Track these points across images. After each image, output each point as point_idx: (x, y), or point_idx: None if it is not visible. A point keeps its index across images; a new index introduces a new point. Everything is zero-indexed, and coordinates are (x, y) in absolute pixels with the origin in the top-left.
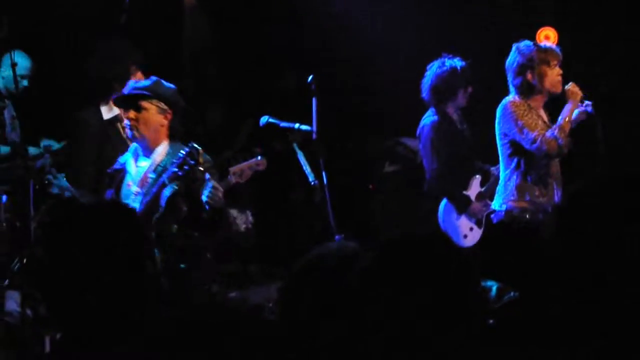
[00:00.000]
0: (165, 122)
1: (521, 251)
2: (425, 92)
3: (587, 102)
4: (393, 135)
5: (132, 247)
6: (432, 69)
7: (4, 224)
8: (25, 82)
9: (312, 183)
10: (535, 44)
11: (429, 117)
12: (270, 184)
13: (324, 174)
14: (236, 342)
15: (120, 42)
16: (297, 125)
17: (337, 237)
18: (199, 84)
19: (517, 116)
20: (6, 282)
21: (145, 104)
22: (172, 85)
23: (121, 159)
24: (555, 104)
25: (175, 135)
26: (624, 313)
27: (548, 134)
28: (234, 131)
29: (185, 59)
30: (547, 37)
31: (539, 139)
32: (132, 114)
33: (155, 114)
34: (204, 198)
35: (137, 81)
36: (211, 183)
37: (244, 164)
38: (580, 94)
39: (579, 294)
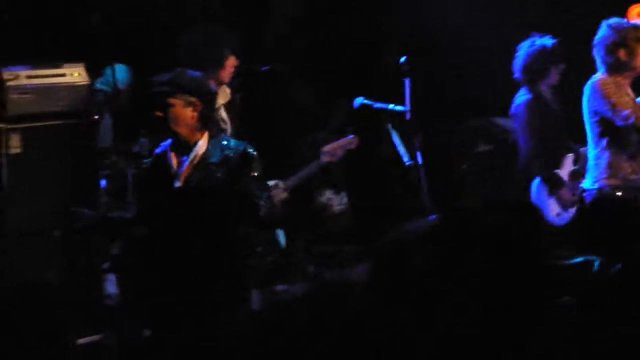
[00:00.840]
0: (195, 114)
1: (618, 228)
2: (517, 72)
3: None
4: (486, 115)
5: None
6: (523, 49)
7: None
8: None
9: (407, 163)
10: (628, 22)
11: (522, 96)
12: (365, 165)
13: (418, 154)
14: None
15: (213, 27)
16: (391, 106)
17: (431, 217)
18: (291, 65)
19: (608, 94)
20: (106, 265)
21: (170, 100)
22: (196, 73)
23: (158, 151)
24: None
25: (212, 126)
26: None
27: None
28: (328, 112)
29: (277, 41)
30: (639, 14)
31: (632, 115)
32: (158, 114)
33: (182, 109)
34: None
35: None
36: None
37: (335, 144)
38: None
39: None
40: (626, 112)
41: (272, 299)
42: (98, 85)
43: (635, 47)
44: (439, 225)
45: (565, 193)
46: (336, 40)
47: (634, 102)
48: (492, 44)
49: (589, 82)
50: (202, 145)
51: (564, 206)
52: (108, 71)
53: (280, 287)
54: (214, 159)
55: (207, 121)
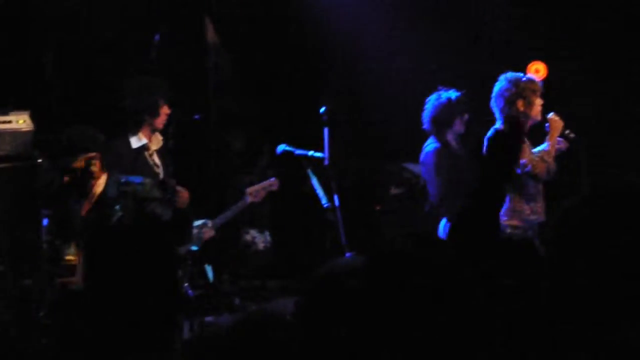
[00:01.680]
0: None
1: (518, 265)
2: (426, 123)
3: (567, 130)
4: (398, 161)
5: (166, 266)
6: (430, 102)
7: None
8: None
9: (325, 205)
10: (524, 76)
11: (430, 145)
12: (287, 206)
13: (335, 196)
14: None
15: (150, 78)
16: (310, 153)
17: (347, 254)
18: (222, 115)
19: None
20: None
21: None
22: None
23: None
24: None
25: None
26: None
27: (537, 159)
28: (253, 158)
29: (209, 91)
30: (537, 70)
31: (529, 164)
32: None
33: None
34: None
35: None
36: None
37: (258, 185)
38: (561, 122)
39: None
40: (524, 161)
41: (200, 329)
42: None
43: (532, 98)
44: (369, 263)
45: None
46: (262, 92)
47: (530, 150)
48: (403, 95)
49: (488, 135)
50: (100, 184)
51: None
52: None
53: (208, 318)
54: (111, 195)
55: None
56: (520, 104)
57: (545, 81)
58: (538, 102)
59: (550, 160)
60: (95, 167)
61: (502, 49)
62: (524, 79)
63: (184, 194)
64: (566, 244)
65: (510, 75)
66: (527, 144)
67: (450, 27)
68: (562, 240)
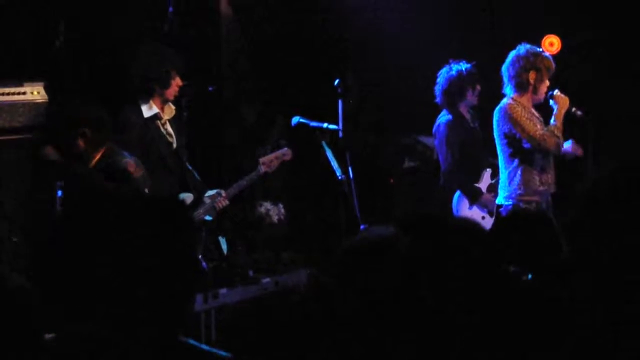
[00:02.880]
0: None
1: (531, 240)
2: (438, 96)
3: (574, 108)
4: (412, 134)
5: (184, 237)
6: (442, 75)
7: None
8: None
9: (340, 177)
10: (535, 49)
11: (443, 117)
12: (301, 179)
13: (350, 169)
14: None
15: (162, 48)
16: (325, 125)
17: (362, 226)
18: (236, 86)
19: (517, 117)
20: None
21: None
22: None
23: None
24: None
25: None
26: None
27: (547, 133)
28: (267, 129)
29: (223, 63)
30: (552, 44)
31: (541, 138)
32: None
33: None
34: None
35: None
36: None
37: (272, 155)
38: (567, 99)
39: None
40: (535, 133)
41: (215, 301)
42: None
43: (544, 75)
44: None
45: (486, 197)
46: (278, 64)
47: (540, 121)
48: (419, 68)
49: (498, 107)
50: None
51: (488, 210)
52: None
53: (222, 291)
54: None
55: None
56: (532, 76)
57: (559, 55)
58: (547, 82)
59: (559, 134)
60: (82, 142)
61: (516, 22)
62: (542, 53)
63: None
64: (594, 214)
65: (529, 46)
66: (538, 117)
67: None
68: (590, 211)
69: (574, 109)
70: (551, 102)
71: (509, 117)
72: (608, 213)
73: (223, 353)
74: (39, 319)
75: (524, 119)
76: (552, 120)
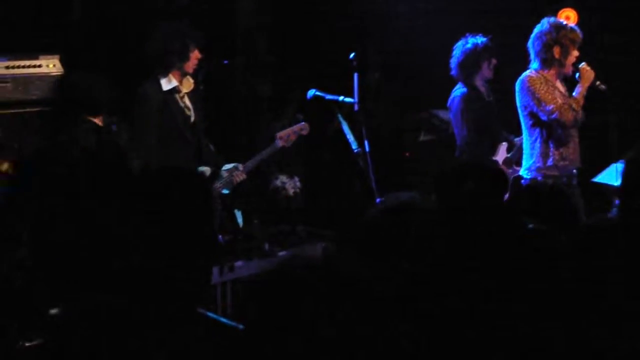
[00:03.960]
0: None
1: (548, 213)
2: (453, 69)
3: (598, 81)
4: (427, 108)
5: (202, 210)
6: (458, 48)
7: None
8: None
9: (355, 150)
10: (562, 23)
11: (458, 90)
12: (317, 151)
13: (366, 142)
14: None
15: (180, 23)
16: (341, 98)
17: (377, 199)
18: (251, 60)
19: (535, 90)
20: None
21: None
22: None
23: None
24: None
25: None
26: None
27: (565, 106)
28: (283, 103)
29: (238, 37)
30: (568, 17)
31: (556, 111)
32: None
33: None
34: None
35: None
36: None
37: (289, 129)
38: (592, 72)
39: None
40: (550, 106)
41: (232, 274)
42: None
43: (570, 48)
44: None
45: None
46: (293, 37)
47: (563, 95)
48: (434, 41)
49: (519, 79)
50: None
51: None
52: None
53: (238, 263)
54: None
55: None
56: (556, 51)
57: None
58: (574, 53)
59: (578, 108)
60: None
61: None
62: (566, 26)
63: None
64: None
65: (553, 19)
66: (557, 89)
67: None
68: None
69: (597, 83)
70: (577, 74)
71: (527, 89)
72: None
73: (240, 326)
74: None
75: (542, 91)
76: (574, 93)
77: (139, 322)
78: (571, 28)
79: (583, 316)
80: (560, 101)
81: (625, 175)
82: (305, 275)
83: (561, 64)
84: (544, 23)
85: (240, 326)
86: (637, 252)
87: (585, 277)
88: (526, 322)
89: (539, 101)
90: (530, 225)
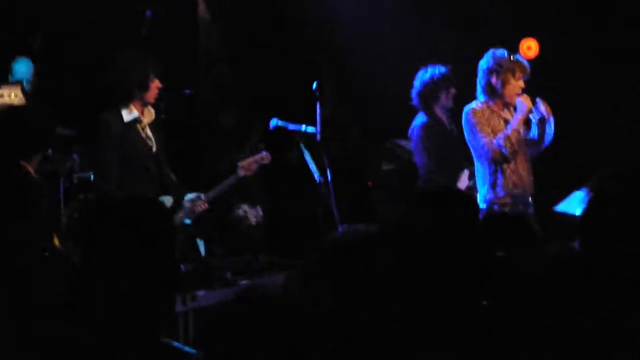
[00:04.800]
0: None
1: (509, 241)
2: (414, 98)
3: (537, 102)
4: (389, 137)
5: (164, 239)
6: (417, 78)
7: None
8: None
9: (317, 180)
10: (508, 54)
11: (419, 119)
12: (279, 181)
13: (328, 171)
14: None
15: (140, 52)
16: (303, 128)
17: (339, 228)
18: (214, 90)
19: (474, 122)
20: None
21: None
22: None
23: None
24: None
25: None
26: None
27: (495, 142)
28: (245, 133)
29: (201, 67)
30: (529, 47)
31: (487, 147)
32: None
33: None
34: None
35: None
36: None
37: (250, 159)
38: (530, 105)
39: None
40: (483, 142)
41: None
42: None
43: (508, 77)
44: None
45: None
46: (256, 68)
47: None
48: (396, 71)
49: (464, 110)
50: None
51: None
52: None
53: (200, 293)
54: None
55: None
56: (493, 79)
57: (538, 58)
58: (515, 83)
59: (506, 144)
60: None
61: (495, 26)
62: (505, 56)
63: None
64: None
65: (497, 50)
66: (505, 120)
67: (443, 4)
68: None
69: (531, 115)
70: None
71: (469, 122)
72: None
73: (199, 353)
74: None
75: (479, 124)
76: (507, 128)
77: (103, 352)
78: (513, 59)
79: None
80: (493, 135)
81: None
82: (265, 305)
83: (499, 93)
84: (487, 54)
85: (200, 353)
86: (602, 284)
87: (553, 308)
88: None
89: (475, 134)
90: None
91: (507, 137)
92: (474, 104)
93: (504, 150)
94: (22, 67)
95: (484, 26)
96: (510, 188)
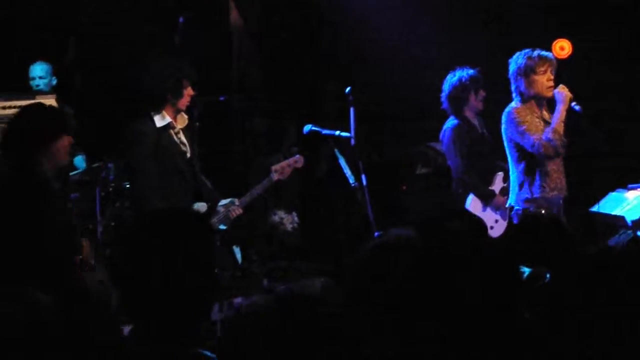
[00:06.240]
0: None
1: (544, 242)
2: (444, 102)
3: (574, 102)
4: (423, 141)
5: (204, 250)
6: (446, 81)
7: None
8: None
9: (353, 185)
10: (527, 52)
11: (450, 122)
12: (314, 187)
13: (363, 176)
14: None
15: (174, 59)
16: (337, 132)
17: (376, 233)
18: (246, 96)
19: (519, 122)
20: None
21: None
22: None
23: None
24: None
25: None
26: None
27: (544, 137)
28: (279, 138)
29: (234, 73)
30: (562, 47)
31: (537, 142)
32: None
33: None
34: None
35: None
36: None
37: (284, 163)
38: (569, 95)
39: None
40: (532, 138)
41: (231, 311)
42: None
43: (531, 77)
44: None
45: (499, 199)
46: (289, 73)
47: (543, 125)
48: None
49: (505, 111)
50: None
51: (502, 212)
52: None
53: (237, 300)
54: None
55: None
56: (520, 82)
57: (571, 58)
58: (541, 78)
59: (556, 137)
60: None
61: (528, 27)
62: (527, 55)
63: None
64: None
65: (520, 53)
66: (544, 119)
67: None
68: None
69: (573, 103)
70: (557, 96)
71: (512, 120)
72: None
73: None
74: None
75: (527, 124)
76: (552, 121)
77: None
78: (532, 56)
79: None
80: (542, 133)
81: None
82: (303, 310)
83: (529, 94)
84: (513, 58)
85: None
86: None
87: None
88: None
89: (522, 133)
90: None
91: (555, 130)
92: (513, 104)
93: (553, 143)
94: (38, 71)
95: (516, 27)
96: (547, 190)
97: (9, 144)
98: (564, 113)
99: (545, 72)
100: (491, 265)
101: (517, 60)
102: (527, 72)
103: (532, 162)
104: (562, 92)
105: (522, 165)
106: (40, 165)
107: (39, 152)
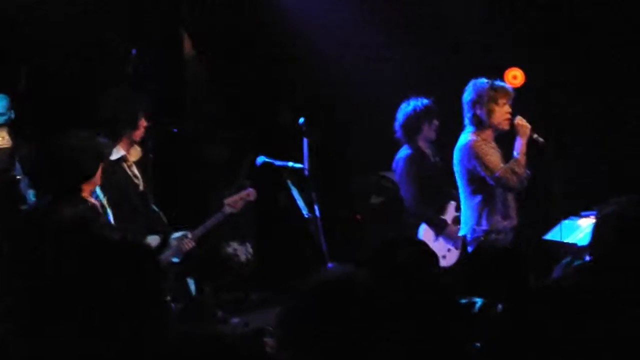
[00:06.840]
0: None
1: (497, 272)
2: (397, 131)
3: (535, 135)
4: (377, 171)
5: (152, 281)
6: (400, 110)
7: None
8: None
9: (306, 216)
10: (488, 82)
11: (403, 151)
12: (267, 218)
13: (316, 207)
14: None
15: (128, 91)
16: (290, 164)
17: (329, 265)
18: (200, 126)
19: (481, 154)
20: None
21: None
22: None
23: None
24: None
25: None
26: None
27: (508, 171)
28: (233, 170)
29: (187, 103)
30: (515, 77)
31: (499, 174)
32: None
33: None
34: None
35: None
36: None
37: (236, 196)
38: (528, 126)
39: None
40: (497, 173)
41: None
42: None
43: (491, 106)
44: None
45: (452, 229)
46: (242, 104)
47: (502, 159)
48: (383, 105)
49: (461, 143)
50: None
51: (455, 242)
52: None
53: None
54: None
55: None
56: (478, 110)
57: (524, 86)
58: (499, 109)
59: (521, 170)
60: None
61: (481, 56)
62: (487, 85)
63: None
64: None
65: (477, 81)
66: (498, 151)
67: (428, 36)
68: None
69: (535, 136)
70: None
71: (473, 153)
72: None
73: None
74: None
75: (487, 156)
76: (514, 153)
77: None
78: (494, 86)
79: None
80: (501, 164)
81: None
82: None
83: (486, 123)
84: (469, 86)
85: None
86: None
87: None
88: None
89: (485, 166)
90: (464, 300)
91: (518, 162)
92: (469, 136)
93: (517, 176)
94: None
95: (469, 54)
96: (501, 220)
97: None
98: (525, 145)
99: (505, 103)
100: (433, 299)
101: (475, 89)
102: (489, 101)
103: (488, 194)
104: (522, 124)
105: (477, 196)
106: None
107: None
